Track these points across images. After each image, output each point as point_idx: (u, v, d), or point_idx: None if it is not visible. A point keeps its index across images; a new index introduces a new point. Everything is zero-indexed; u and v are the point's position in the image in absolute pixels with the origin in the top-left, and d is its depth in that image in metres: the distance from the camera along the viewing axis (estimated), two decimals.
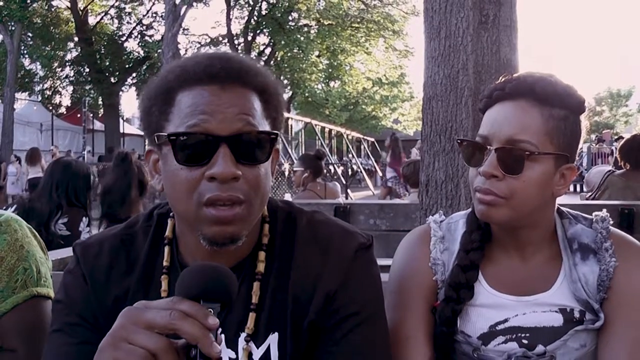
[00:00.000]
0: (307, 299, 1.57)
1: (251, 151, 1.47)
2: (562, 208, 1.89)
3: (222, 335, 1.54)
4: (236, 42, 38.41)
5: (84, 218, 4.85)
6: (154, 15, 37.74)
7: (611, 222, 1.85)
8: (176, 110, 1.49)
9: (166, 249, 1.63)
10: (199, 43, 38.66)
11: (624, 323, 1.72)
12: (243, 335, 1.55)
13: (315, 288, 1.57)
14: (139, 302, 1.25)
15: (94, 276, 1.62)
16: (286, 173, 21.98)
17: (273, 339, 1.56)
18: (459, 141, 1.86)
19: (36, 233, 2.15)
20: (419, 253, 1.91)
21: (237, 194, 1.43)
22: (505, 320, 1.78)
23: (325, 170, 8.08)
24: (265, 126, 1.53)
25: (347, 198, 17.52)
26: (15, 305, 1.96)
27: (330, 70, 42.48)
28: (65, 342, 1.57)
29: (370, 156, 39.47)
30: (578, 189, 23.17)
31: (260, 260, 1.60)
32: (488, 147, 1.72)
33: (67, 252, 3.62)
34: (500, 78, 1.83)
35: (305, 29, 39.23)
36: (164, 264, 1.61)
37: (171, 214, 1.66)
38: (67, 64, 37.61)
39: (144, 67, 36.96)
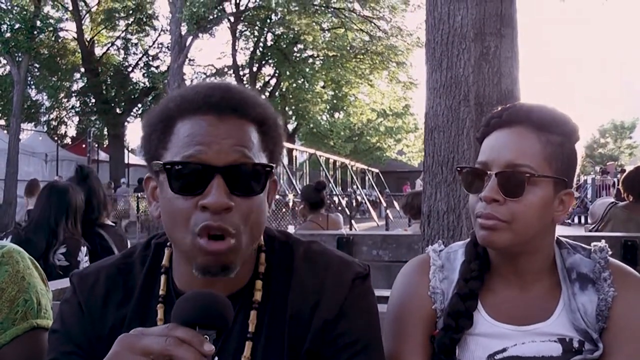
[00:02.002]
0: (304, 328, 1.57)
1: (246, 183, 1.47)
2: (560, 238, 1.89)
3: None
4: (241, 72, 38.67)
5: (82, 247, 4.72)
6: (160, 46, 37.98)
7: (610, 253, 1.85)
8: (175, 138, 1.50)
9: (162, 277, 1.63)
10: (205, 74, 38.87)
11: (623, 353, 1.71)
12: None
13: (312, 317, 1.58)
14: (135, 329, 1.25)
15: (90, 305, 1.63)
16: (290, 204, 22.00)
17: None
18: (458, 169, 1.87)
19: (37, 264, 2.15)
20: (418, 282, 1.91)
21: (228, 225, 1.43)
22: (504, 350, 1.77)
23: (329, 202, 8.08)
24: (262, 158, 1.53)
25: (351, 229, 17.52)
26: (15, 337, 1.95)
27: (335, 101, 42.71)
28: None
29: (375, 187, 39.50)
30: (583, 220, 23.15)
31: (257, 289, 1.60)
32: (488, 172, 1.74)
33: (65, 282, 3.61)
34: (498, 107, 1.85)
35: (310, 60, 39.46)
36: (160, 292, 1.61)
37: (168, 244, 1.67)
38: (73, 94, 37.77)
39: (150, 97, 37.00)
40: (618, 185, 6.91)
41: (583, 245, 1.89)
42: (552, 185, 1.74)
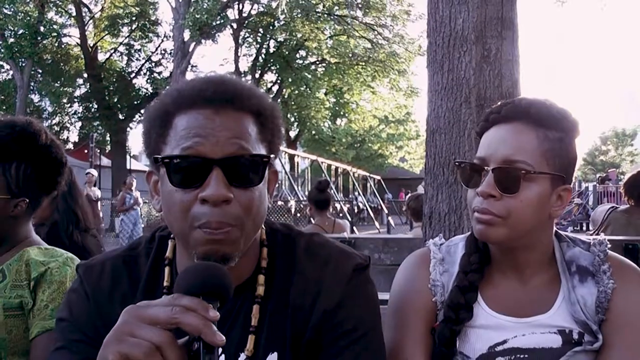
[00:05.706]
0: (305, 319, 1.60)
1: (244, 174, 1.48)
2: (560, 232, 1.91)
3: (222, 356, 1.57)
4: (244, 79, 38.49)
5: None
6: (163, 52, 37.96)
7: (609, 246, 1.86)
8: (173, 133, 1.52)
9: (166, 269, 1.66)
10: None
11: (622, 344, 1.72)
12: (243, 356, 1.57)
13: (313, 308, 1.60)
14: (141, 301, 1.27)
15: (97, 295, 1.65)
16: (292, 210, 21.99)
17: (272, 359, 1.59)
18: (457, 163, 1.89)
19: None
20: (418, 274, 1.93)
21: (228, 219, 1.45)
22: (504, 342, 1.78)
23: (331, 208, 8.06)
24: (260, 149, 1.55)
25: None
26: (51, 329, 2.03)
27: (337, 108, 42.71)
28: (69, 359, 1.59)
29: (376, 194, 39.46)
30: (585, 227, 23.12)
31: (259, 283, 1.63)
32: (485, 167, 1.75)
33: None
34: (498, 102, 1.87)
35: (313, 67, 39.47)
36: (165, 284, 1.64)
37: (171, 236, 1.69)
38: (75, 100, 37.79)
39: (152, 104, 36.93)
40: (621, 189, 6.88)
41: (582, 238, 1.91)
42: (550, 181, 1.75)
